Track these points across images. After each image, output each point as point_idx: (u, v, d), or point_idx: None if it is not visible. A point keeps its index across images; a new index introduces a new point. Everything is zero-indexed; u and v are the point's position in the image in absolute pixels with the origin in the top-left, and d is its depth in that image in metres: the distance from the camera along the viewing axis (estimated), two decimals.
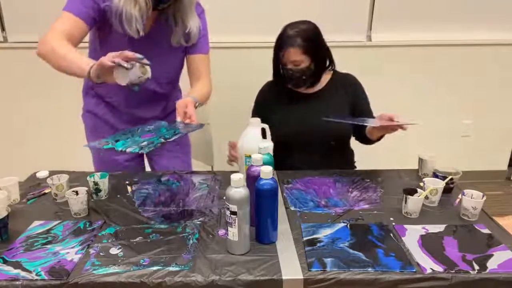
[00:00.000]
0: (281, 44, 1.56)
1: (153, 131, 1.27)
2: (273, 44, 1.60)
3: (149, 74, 1.23)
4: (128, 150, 1.11)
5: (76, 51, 1.28)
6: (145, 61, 1.20)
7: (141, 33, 1.38)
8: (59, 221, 1.21)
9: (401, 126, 1.39)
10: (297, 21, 1.59)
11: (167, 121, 1.48)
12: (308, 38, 1.54)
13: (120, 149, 1.12)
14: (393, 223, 1.19)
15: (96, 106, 1.61)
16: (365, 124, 1.52)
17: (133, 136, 1.24)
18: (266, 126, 1.37)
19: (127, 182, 1.45)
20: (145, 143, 1.15)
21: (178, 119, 1.34)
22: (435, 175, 1.38)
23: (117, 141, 1.18)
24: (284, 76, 1.61)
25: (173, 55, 1.53)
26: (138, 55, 1.18)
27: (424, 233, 1.14)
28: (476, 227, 1.17)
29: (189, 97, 1.41)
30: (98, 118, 1.63)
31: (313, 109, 1.64)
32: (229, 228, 1.02)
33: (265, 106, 1.70)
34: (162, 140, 1.18)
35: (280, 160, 1.59)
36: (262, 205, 1.05)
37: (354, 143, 1.73)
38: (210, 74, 1.62)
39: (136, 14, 1.34)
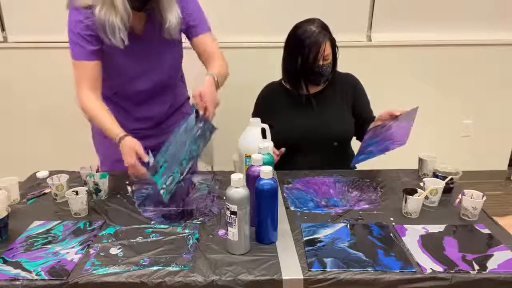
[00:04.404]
0: (311, 42, 1.51)
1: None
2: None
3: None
4: (161, 191, 1.19)
5: (107, 113, 1.38)
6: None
7: (126, 42, 1.36)
8: (59, 221, 1.21)
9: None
10: (307, 19, 1.57)
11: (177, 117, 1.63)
12: (330, 32, 1.56)
13: (159, 188, 1.20)
14: (393, 223, 1.19)
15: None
16: (390, 149, 1.44)
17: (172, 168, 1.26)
18: (266, 126, 1.36)
19: (127, 182, 1.45)
20: (170, 188, 1.21)
21: (198, 110, 1.33)
22: (435, 175, 1.38)
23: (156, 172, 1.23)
24: (312, 74, 1.57)
25: (169, 50, 1.51)
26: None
27: (424, 233, 1.14)
28: (476, 227, 1.17)
29: (208, 76, 1.38)
30: None
31: (315, 110, 1.64)
32: (229, 228, 1.02)
33: (266, 109, 1.67)
34: (176, 182, 1.23)
35: (282, 163, 1.59)
36: (262, 205, 1.05)
37: (354, 143, 1.72)
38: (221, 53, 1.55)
39: (118, 23, 1.32)
